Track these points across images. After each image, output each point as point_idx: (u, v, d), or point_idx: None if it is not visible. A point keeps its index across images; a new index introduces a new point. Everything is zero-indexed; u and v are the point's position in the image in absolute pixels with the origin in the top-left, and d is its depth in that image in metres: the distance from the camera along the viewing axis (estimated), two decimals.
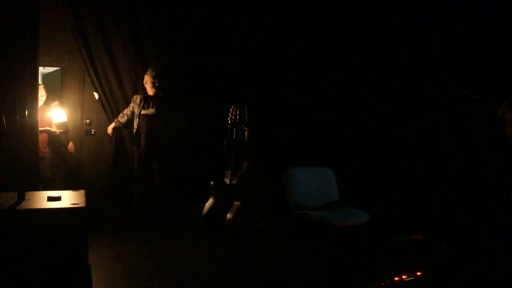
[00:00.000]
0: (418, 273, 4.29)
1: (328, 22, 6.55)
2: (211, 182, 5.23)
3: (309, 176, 5.21)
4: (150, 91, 5.94)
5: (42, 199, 3.29)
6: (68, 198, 3.32)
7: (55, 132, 5.75)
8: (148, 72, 5.95)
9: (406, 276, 4.23)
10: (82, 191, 3.61)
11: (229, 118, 5.14)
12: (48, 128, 5.75)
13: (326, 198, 5.15)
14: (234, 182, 5.04)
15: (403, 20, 6.54)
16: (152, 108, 5.92)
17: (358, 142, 6.62)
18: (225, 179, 5.22)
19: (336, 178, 5.24)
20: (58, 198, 3.29)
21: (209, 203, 5.25)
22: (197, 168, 6.25)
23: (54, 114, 5.77)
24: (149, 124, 5.91)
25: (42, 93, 5.82)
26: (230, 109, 5.16)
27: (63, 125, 5.73)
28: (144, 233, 5.72)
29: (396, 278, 4.19)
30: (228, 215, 4.97)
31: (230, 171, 5.20)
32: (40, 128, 5.64)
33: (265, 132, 6.11)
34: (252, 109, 5.12)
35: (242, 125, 5.14)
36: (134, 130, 5.96)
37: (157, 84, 5.92)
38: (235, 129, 5.19)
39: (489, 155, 5.69)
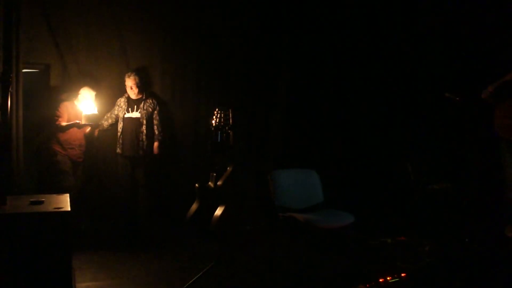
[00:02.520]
0: (403, 275, 4.31)
1: (311, 25, 6.58)
2: (196, 185, 5.19)
3: (294, 179, 5.22)
4: (133, 95, 5.92)
5: (25, 203, 3.25)
6: (51, 202, 3.29)
7: (85, 125, 5.65)
8: (130, 76, 5.89)
9: (390, 278, 4.24)
10: (66, 195, 3.62)
11: (213, 121, 5.08)
12: (78, 121, 5.63)
13: (311, 200, 5.16)
14: (219, 185, 5.00)
15: (384, 23, 6.57)
16: (136, 111, 5.89)
17: (342, 145, 6.62)
18: (210, 182, 5.19)
19: (321, 181, 5.24)
20: (40, 202, 3.26)
21: (194, 206, 5.20)
22: (182, 171, 6.22)
23: (84, 106, 5.66)
24: (133, 127, 5.87)
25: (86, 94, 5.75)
26: (215, 112, 5.10)
27: (93, 118, 5.62)
28: (128, 236, 5.71)
29: (380, 280, 4.19)
30: (213, 218, 4.92)
31: (215, 174, 5.15)
32: (69, 123, 5.62)
33: (249, 135, 6.22)
34: (236, 112, 5.09)
35: (227, 128, 5.08)
36: (118, 134, 5.91)
37: (138, 88, 5.89)
38: (219, 132, 5.11)
39: (472, 157, 5.74)
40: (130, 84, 5.87)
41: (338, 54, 6.63)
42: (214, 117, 5.08)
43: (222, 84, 6.36)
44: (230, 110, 5.12)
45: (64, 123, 5.63)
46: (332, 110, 6.66)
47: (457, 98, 5.06)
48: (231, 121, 5.09)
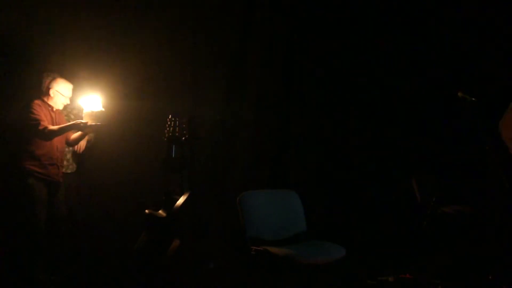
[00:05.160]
0: None
1: (287, 25, 6.17)
2: (146, 211, 4.66)
3: (270, 202, 4.77)
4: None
5: None
6: None
7: (90, 127, 4.72)
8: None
9: None
10: None
11: (166, 131, 4.61)
12: (80, 121, 4.68)
13: (291, 229, 4.70)
14: (172, 212, 4.52)
15: (391, 19, 6.13)
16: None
17: (329, 158, 6.15)
18: (161, 210, 4.64)
19: (303, 204, 4.81)
20: None
21: (142, 239, 4.63)
22: (126, 194, 5.63)
23: (86, 102, 4.76)
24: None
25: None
26: (168, 120, 4.64)
27: (101, 116, 4.78)
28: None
29: None
30: (167, 255, 4.41)
31: (168, 199, 4.65)
32: (64, 125, 4.74)
33: (212, 149, 5.84)
34: (195, 120, 4.69)
35: (183, 140, 4.66)
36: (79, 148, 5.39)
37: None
38: (173, 145, 4.67)
39: (494, 172, 5.20)
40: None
41: (320, 53, 6.17)
42: (167, 126, 4.68)
43: (178, 87, 5.84)
44: (187, 118, 4.75)
45: (52, 127, 4.66)
46: (314, 117, 6.19)
47: (473, 99, 4.54)
48: (188, 131, 4.72)
